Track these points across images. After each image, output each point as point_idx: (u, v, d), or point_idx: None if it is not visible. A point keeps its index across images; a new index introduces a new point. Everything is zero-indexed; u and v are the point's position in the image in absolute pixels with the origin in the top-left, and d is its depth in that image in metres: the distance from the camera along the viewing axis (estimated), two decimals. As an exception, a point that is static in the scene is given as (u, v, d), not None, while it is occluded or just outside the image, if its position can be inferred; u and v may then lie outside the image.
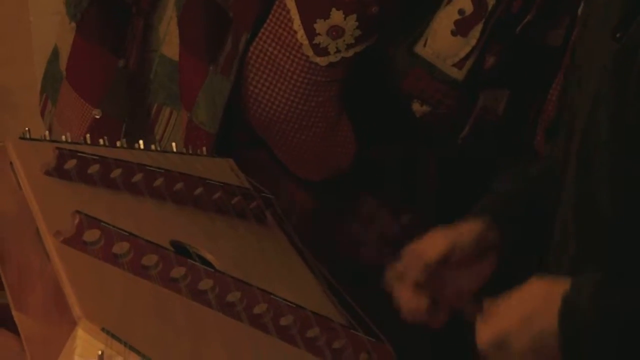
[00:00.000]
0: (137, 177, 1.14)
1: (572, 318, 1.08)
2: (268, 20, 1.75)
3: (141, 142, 1.32)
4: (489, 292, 1.15)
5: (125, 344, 0.81)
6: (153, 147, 1.34)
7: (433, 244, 1.25)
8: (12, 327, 0.95)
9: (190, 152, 1.41)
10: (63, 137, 1.21)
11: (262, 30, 1.76)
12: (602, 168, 1.15)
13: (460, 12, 1.72)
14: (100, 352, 0.79)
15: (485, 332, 1.11)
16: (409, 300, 1.22)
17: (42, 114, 1.90)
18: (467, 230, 1.26)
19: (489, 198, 1.32)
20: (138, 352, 0.81)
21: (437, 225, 1.28)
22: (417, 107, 1.78)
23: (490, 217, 1.27)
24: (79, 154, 1.11)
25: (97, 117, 1.81)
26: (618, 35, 1.13)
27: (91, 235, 0.95)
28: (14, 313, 0.95)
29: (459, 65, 1.74)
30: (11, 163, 1.09)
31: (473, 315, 1.12)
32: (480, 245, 1.26)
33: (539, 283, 1.12)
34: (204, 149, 1.49)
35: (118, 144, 1.27)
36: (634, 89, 1.09)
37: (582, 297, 1.08)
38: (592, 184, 1.16)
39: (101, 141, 1.25)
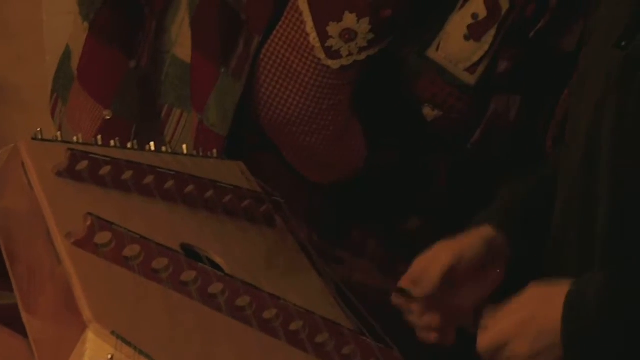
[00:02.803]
0: (148, 179, 1.15)
1: (577, 313, 1.08)
2: (280, 23, 1.76)
3: (152, 143, 1.33)
4: (491, 301, 1.16)
5: (135, 348, 0.81)
6: (164, 149, 1.35)
7: (443, 253, 1.25)
8: (21, 329, 0.95)
9: (201, 154, 1.42)
10: (75, 138, 1.22)
11: (274, 32, 1.76)
12: (604, 174, 1.15)
13: (474, 16, 1.72)
14: (110, 356, 0.79)
15: (484, 338, 1.12)
16: (420, 318, 1.24)
17: (53, 113, 1.91)
18: (473, 240, 1.27)
19: (494, 204, 1.33)
20: (148, 356, 0.81)
21: (447, 230, 1.29)
22: (428, 112, 1.79)
23: (496, 223, 1.29)
24: (91, 156, 1.12)
25: (108, 117, 1.82)
26: (623, 43, 1.13)
27: (102, 237, 0.95)
28: (23, 315, 0.95)
29: (471, 70, 1.74)
30: (23, 163, 1.10)
31: (475, 325, 1.14)
32: (489, 253, 1.27)
33: (537, 287, 1.12)
34: (215, 151, 1.50)
35: (129, 145, 1.28)
36: (637, 98, 1.09)
37: (588, 292, 1.09)
38: (596, 189, 1.16)
39: (112, 142, 1.25)
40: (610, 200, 1.14)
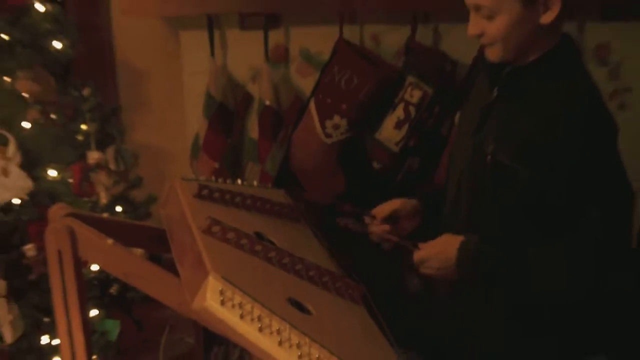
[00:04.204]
0: (237, 198, 1.13)
1: (465, 250, 1.08)
2: (302, 121, 1.77)
3: (239, 180, 1.32)
4: (423, 240, 1.15)
5: (233, 284, 0.80)
6: (245, 183, 1.33)
7: (390, 205, 1.25)
8: (176, 273, 0.93)
9: (263, 186, 1.40)
10: (201, 178, 1.21)
11: (299, 125, 1.77)
12: (463, 204, 1.14)
13: (398, 117, 1.74)
14: (220, 289, 0.79)
15: (417, 255, 1.12)
16: (375, 229, 1.24)
17: (191, 165, 1.92)
18: (408, 201, 1.26)
19: (419, 193, 1.31)
20: (240, 289, 0.80)
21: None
22: (375, 164, 1.79)
23: (419, 199, 1.27)
24: (209, 187, 1.10)
25: (217, 167, 1.82)
26: (473, 135, 1.11)
27: (216, 229, 0.95)
28: (177, 266, 0.94)
29: (397, 144, 1.75)
30: (176, 191, 1.08)
31: (414, 249, 1.13)
32: (415, 209, 1.25)
33: (447, 236, 1.12)
34: (269, 184, 1.48)
35: (228, 181, 1.26)
36: (482, 170, 1.07)
37: (471, 241, 1.08)
38: (460, 209, 1.15)
39: (220, 180, 1.23)
40: (467, 215, 1.14)
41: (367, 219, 1.24)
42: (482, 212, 1.10)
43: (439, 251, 1.09)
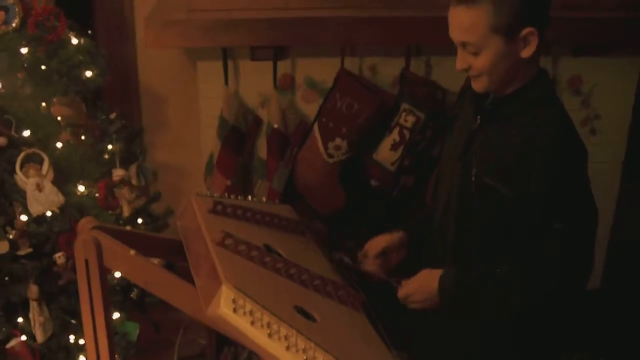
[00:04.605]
0: (248, 213, 1.11)
1: (445, 283, 1.07)
2: (306, 142, 1.77)
3: (249, 196, 1.31)
4: (406, 276, 1.13)
5: (244, 293, 0.79)
6: (255, 199, 1.32)
7: (379, 242, 1.24)
8: (192, 282, 0.91)
9: (271, 202, 1.39)
10: (215, 194, 1.20)
11: (304, 146, 1.77)
12: (451, 222, 1.12)
13: (394, 140, 1.74)
14: (233, 297, 0.78)
15: (401, 292, 1.11)
16: (369, 267, 1.23)
17: (205, 182, 1.91)
18: (395, 236, 1.24)
19: (405, 222, 1.30)
20: (251, 297, 0.79)
21: (382, 233, 1.26)
22: (373, 182, 1.79)
23: (405, 230, 1.26)
24: (222, 202, 1.09)
25: (229, 184, 1.81)
26: (459, 158, 1.10)
27: (228, 241, 0.93)
28: (194, 277, 0.92)
29: (392, 164, 1.75)
30: (193, 206, 1.06)
31: (398, 286, 1.12)
32: (401, 243, 1.24)
33: (427, 271, 1.11)
34: (277, 200, 1.47)
35: (239, 197, 1.25)
36: (468, 191, 1.06)
37: (450, 273, 1.07)
38: (448, 227, 1.14)
39: (232, 196, 1.22)
40: (454, 233, 1.12)
41: (360, 257, 1.23)
42: (468, 230, 1.09)
43: (421, 285, 1.09)
